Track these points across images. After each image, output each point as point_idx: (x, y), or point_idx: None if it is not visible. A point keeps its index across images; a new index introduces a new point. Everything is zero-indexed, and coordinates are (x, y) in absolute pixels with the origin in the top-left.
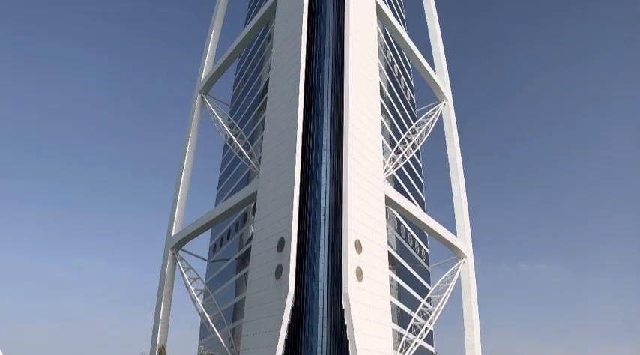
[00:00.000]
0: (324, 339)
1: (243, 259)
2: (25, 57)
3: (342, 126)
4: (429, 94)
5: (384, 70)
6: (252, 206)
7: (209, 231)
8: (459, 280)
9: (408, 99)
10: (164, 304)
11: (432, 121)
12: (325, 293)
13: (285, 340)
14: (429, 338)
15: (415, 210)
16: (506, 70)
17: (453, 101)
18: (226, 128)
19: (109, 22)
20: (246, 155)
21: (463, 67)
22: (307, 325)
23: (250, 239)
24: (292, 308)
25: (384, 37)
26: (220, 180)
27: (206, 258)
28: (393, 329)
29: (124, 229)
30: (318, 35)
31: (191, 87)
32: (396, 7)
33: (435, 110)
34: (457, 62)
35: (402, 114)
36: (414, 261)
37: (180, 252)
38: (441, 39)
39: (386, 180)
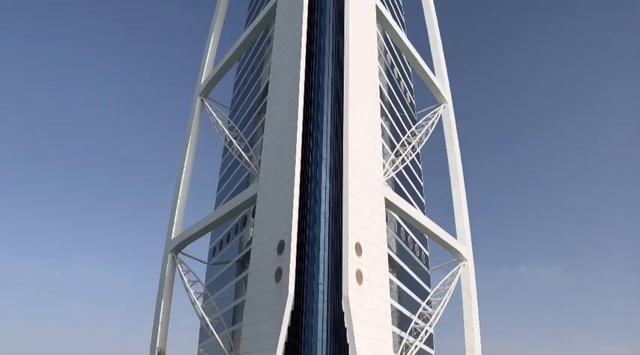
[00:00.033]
0: (325, 342)
1: (243, 262)
2: (24, 58)
3: (342, 129)
4: (429, 97)
5: (383, 73)
6: (252, 208)
7: (209, 233)
8: (459, 283)
9: (407, 102)
10: (164, 307)
11: (432, 124)
12: (325, 295)
13: (286, 343)
14: (429, 341)
15: (415, 212)
16: (506, 70)
17: (453, 103)
18: (226, 131)
19: (109, 23)
20: (246, 158)
21: (462, 67)
22: (307, 328)
23: (250, 241)
24: (292, 310)
25: (384, 40)
26: (220, 183)
27: (206, 261)
28: (393, 332)
29: (124, 233)
30: (317, 38)
31: (191, 89)
32: (396, 10)
33: (434, 113)
34: (456, 62)
35: (401, 117)
36: (414, 263)
37: (179, 254)
38: (441, 42)
39: (386, 183)
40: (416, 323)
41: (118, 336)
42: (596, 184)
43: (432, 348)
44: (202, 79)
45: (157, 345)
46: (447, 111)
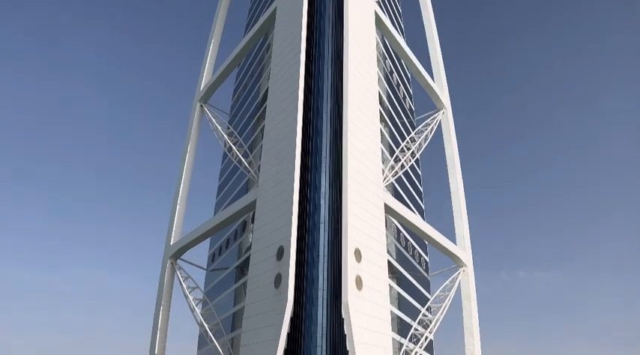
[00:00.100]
0: (324, 349)
1: (242, 268)
2: (24, 61)
3: (341, 135)
4: (428, 103)
5: (383, 78)
6: (251, 214)
7: (208, 239)
8: (458, 289)
9: (407, 108)
10: (162, 313)
11: (431, 130)
12: (324, 301)
13: (285, 350)
14: (429, 348)
15: (415, 218)
16: (505, 70)
17: (451, 105)
18: (225, 136)
19: (109, 27)
20: (246, 163)
21: (461, 67)
22: (307, 334)
23: (249, 248)
24: (291, 317)
25: (383, 46)
26: (219, 189)
27: (205, 267)
28: (393, 339)
29: (124, 239)
30: (317, 44)
31: (191, 95)
32: (395, 16)
33: (433, 118)
34: (455, 62)
35: (401, 122)
36: (413, 269)
37: (178, 261)
38: (440, 48)
39: (385, 189)
40: (416, 330)
41: (117, 343)
42: (596, 186)
43: None
44: (202, 85)
45: (156, 352)
46: (446, 117)
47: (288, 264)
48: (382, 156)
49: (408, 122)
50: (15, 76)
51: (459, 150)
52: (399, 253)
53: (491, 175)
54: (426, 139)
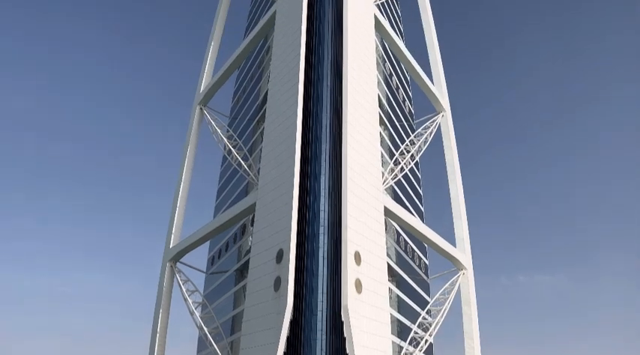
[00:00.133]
0: (324, 351)
1: (242, 271)
2: (23, 66)
3: (341, 138)
4: (428, 106)
5: (382, 81)
6: (250, 217)
7: (207, 242)
8: (458, 292)
9: (406, 111)
10: (162, 317)
11: (431, 133)
12: (324, 305)
13: (284, 353)
14: (429, 351)
15: (414, 221)
16: (506, 71)
17: (451, 107)
18: (225, 139)
19: (108, 30)
20: (245, 166)
21: (460, 69)
22: (306, 337)
23: (249, 251)
24: (291, 320)
25: (383, 49)
26: (219, 192)
27: (204, 270)
28: (393, 342)
29: (124, 243)
30: (316, 47)
31: (190, 98)
32: (394, 19)
33: (433, 121)
34: (454, 65)
35: (400, 125)
36: (413, 272)
37: (178, 264)
38: (439, 51)
39: (385, 192)
40: (415, 333)
41: (116, 346)
42: (596, 188)
43: None
44: (201, 88)
45: None
46: (445, 120)
47: (288, 267)
48: (382, 159)
49: (408, 125)
50: (3, 78)
51: (458, 152)
52: (398, 256)
53: (491, 178)
54: (425, 142)
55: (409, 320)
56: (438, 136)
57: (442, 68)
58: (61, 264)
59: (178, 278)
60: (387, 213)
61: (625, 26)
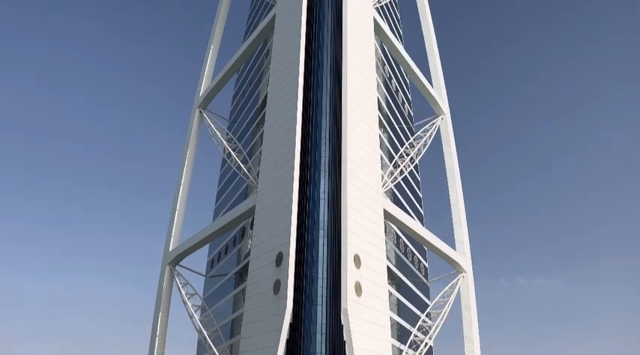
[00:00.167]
0: (323, 354)
1: (241, 274)
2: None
3: (340, 141)
4: (427, 109)
5: (381, 85)
6: (250, 220)
7: (207, 246)
8: (458, 295)
9: (405, 114)
10: (161, 320)
11: (430, 136)
12: (324, 308)
13: None
14: (429, 354)
15: (414, 224)
16: (505, 72)
17: (451, 110)
18: (225, 142)
19: (108, 31)
20: (245, 169)
21: (460, 71)
22: (306, 340)
23: (248, 254)
24: (290, 323)
25: (382, 52)
26: (218, 195)
27: (204, 274)
28: (393, 345)
29: (124, 247)
30: (316, 50)
31: (190, 101)
32: (394, 22)
33: (432, 124)
34: (453, 67)
35: (399, 128)
36: (413, 275)
37: (177, 267)
38: (438, 54)
39: (384, 194)
40: (415, 336)
41: (116, 349)
42: (596, 190)
43: None
44: (201, 91)
45: None
46: (444, 123)
47: (288, 270)
48: (381, 162)
49: (407, 128)
50: (3, 78)
51: (458, 155)
52: (398, 259)
53: (490, 180)
54: (425, 145)
55: (409, 323)
56: (438, 139)
57: (441, 71)
58: (60, 267)
59: (178, 282)
60: (387, 215)
61: (625, 26)
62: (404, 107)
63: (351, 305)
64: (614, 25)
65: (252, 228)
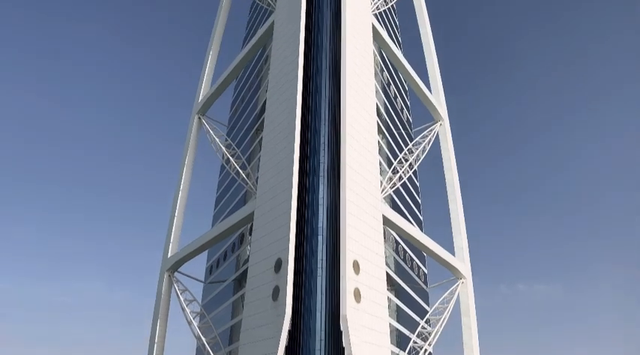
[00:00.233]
0: None
1: (240, 280)
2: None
3: (339, 147)
4: (426, 114)
5: (380, 90)
6: (249, 227)
7: (205, 252)
8: (457, 301)
9: (404, 120)
10: (159, 327)
11: (429, 141)
12: (323, 314)
13: None
14: None
15: (413, 230)
16: (504, 75)
17: (449, 118)
18: (223, 148)
19: (108, 38)
20: (243, 175)
21: (459, 74)
22: (305, 347)
23: (247, 260)
24: (290, 330)
25: (380, 58)
26: (217, 201)
27: (202, 280)
28: (392, 352)
29: (122, 252)
30: (314, 56)
31: (188, 107)
32: (392, 28)
33: (431, 130)
34: (452, 69)
35: (398, 134)
36: (412, 281)
37: (176, 273)
38: (437, 60)
39: (383, 200)
40: (415, 342)
41: None
42: (597, 193)
43: None
44: (200, 97)
45: None
46: (443, 129)
47: (286, 276)
48: (380, 168)
49: (406, 134)
50: (3, 78)
51: (456, 161)
52: (397, 265)
53: (490, 186)
54: (423, 151)
55: (408, 330)
56: (437, 145)
57: (440, 77)
58: (59, 272)
59: (176, 288)
60: (386, 221)
61: (625, 26)
62: (402, 113)
63: (350, 311)
64: (614, 25)
65: (250, 234)
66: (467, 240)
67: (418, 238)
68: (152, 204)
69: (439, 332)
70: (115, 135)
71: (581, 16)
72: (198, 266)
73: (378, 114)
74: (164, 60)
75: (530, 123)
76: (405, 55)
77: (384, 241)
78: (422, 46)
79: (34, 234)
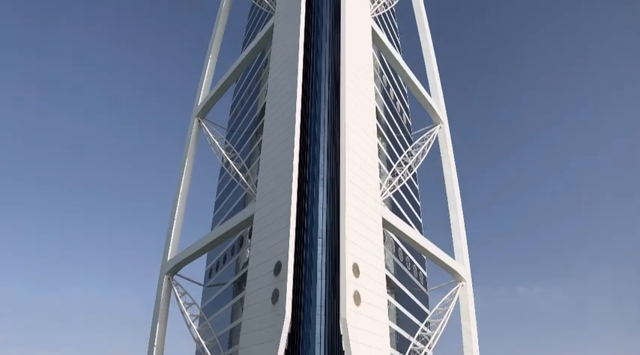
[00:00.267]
0: None
1: (240, 284)
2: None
3: (338, 150)
4: (425, 117)
5: (379, 94)
6: (248, 229)
7: (205, 255)
8: (457, 304)
9: (404, 123)
10: (159, 330)
11: (428, 144)
12: (322, 318)
13: None
14: None
15: (412, 232)
16: (504, 77)
17: (449, 120)
18: (223, 151)
19: (108, 42)
20: (243, 178)
21: (458, 76)
22: (304, 350)
23: (247, 263)
24: (289, 333)
25: (380, 61)
26: (217, 204)
27: (202, 283)
28: None
29: (121, 255)
30: (314, 59)
31: (188, 111)
32: (391, 32)
33: (430, 133)
34: (451, 71)
35: (398, 137)
36: (412, 284)
37: (175, 277)
38: (436, 63)
39: (383, 203)
40: (415, 346)
41: None
42: (597, 195)
43: None
44: (199, 101)
45: None
46: (443, 132)
47: (286, 280)
48: (380, 171)
49: (405, 137)
50: (2, 78)
51: (456, 164)
52: (397, 268)
53: (489, 189)
54: (423, 154)
55: (408, 333)
56: (436, 148)
57: (439, 80)
58: (59, 274)
59: (176, 291)
60: (386, 224)
61: (625, 26)
62: (402, 116)
63: (350, 314)
64: (614, 25)
65: (250, 237)
66: (466, 243)
67: (418, 241)
68: (152, 205)
69: (439, 335)
70: (115, 135)
71: (581, 16)
72: (197, 269)
73: (378, 117)
74: (164, 60)
75: (530, 123)
76: (404, 58)
77: (384, 244)
78: (421, 49)
79: (34, 234)
